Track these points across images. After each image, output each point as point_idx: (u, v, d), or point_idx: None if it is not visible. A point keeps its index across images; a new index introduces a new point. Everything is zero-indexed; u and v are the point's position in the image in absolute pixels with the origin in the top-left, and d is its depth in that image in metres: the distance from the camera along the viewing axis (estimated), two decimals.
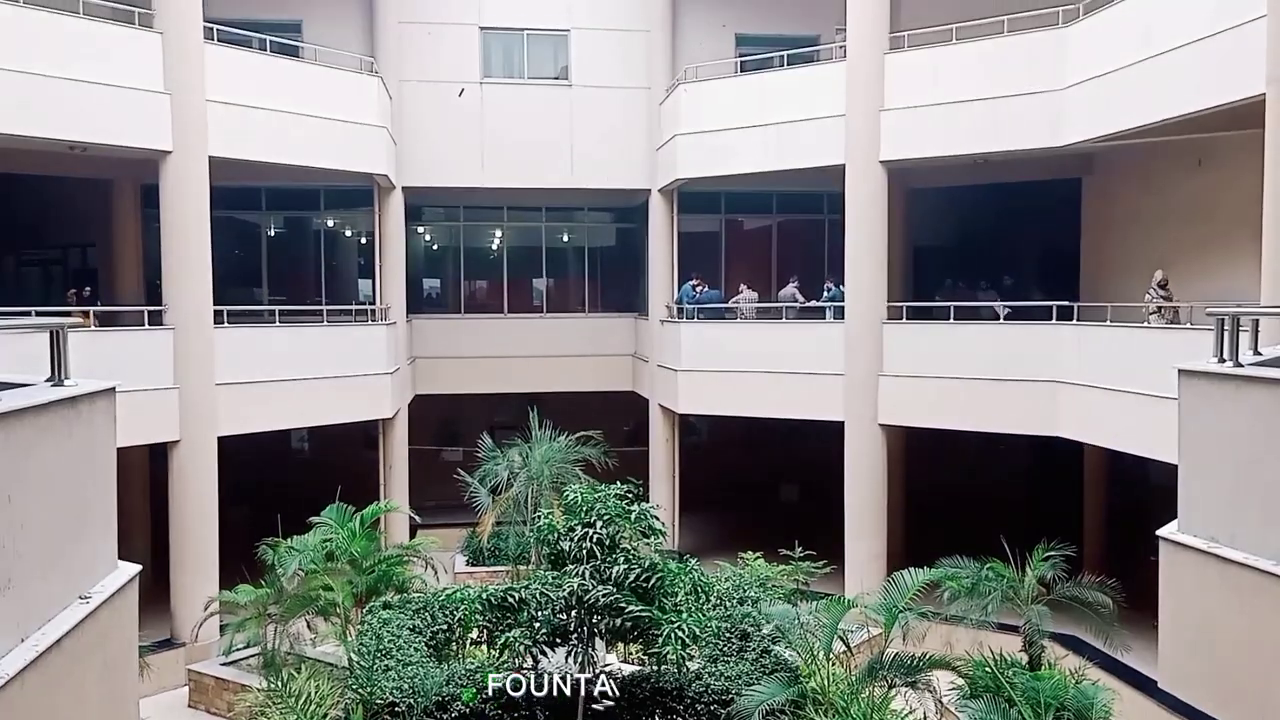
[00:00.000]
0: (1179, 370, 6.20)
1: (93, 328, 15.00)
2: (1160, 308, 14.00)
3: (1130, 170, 16.98)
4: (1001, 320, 16.48)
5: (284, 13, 19.65)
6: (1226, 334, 6.06)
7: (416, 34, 20.52)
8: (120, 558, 5.54)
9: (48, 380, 5.16)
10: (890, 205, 17.10)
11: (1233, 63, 11.33)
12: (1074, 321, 15.18)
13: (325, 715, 10.76)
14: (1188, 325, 13.28)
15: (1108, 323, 14.68)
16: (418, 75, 20.48)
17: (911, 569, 11.35)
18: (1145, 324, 14.06)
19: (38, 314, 11.52)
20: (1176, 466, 6.30)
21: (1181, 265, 14.95)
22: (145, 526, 17.32)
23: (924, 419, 16.81)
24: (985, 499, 20.51)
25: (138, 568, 5.54)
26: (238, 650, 14.20)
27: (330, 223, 22.53)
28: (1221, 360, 6.06)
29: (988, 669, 10.81)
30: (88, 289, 16.93)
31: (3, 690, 3.78)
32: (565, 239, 24.23)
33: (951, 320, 16.60)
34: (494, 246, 24.00)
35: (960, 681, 10.88)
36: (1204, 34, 11.92)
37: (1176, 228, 15.83)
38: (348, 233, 22.97)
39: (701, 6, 21.16)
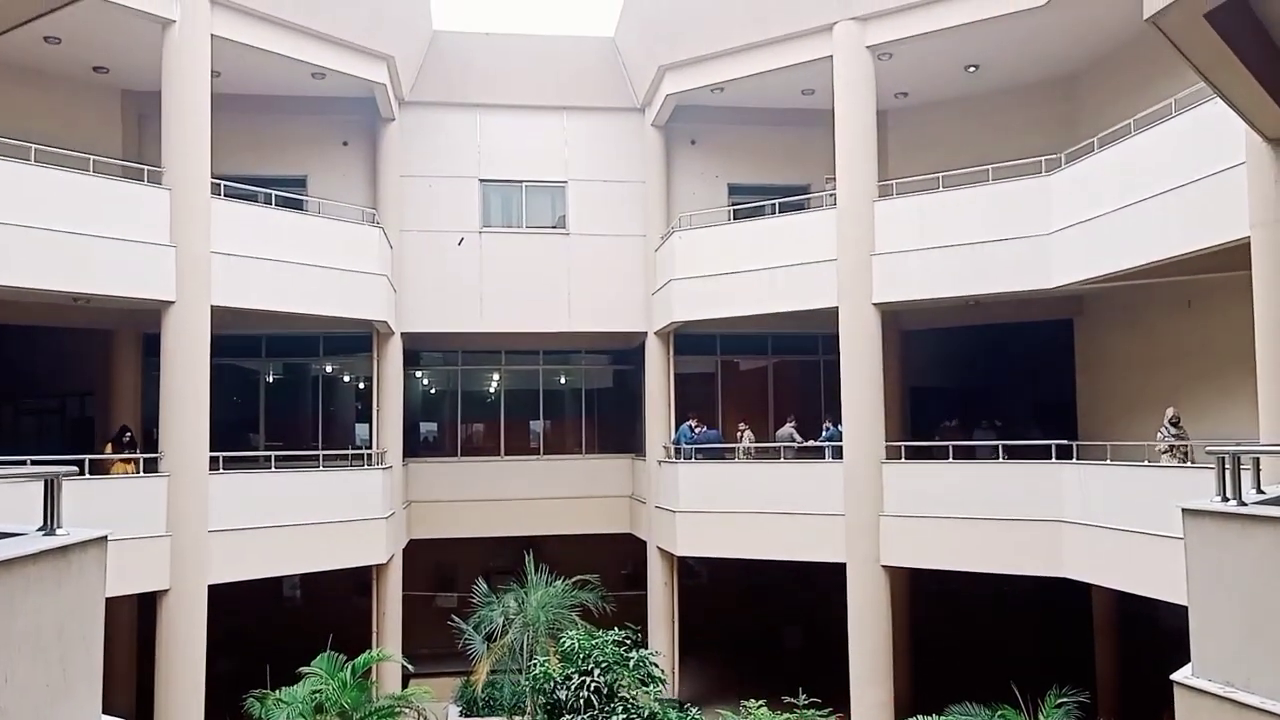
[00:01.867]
0: (1183, 510, 6.15)
1: (136, 474, 15.16)
2: (1172, 446, 13.70)
3: (1121, 311, 17.27)
4: (1001, 459, 16.44)
5: (290, 168, 20.31)
6: (1228, 472, 6.04)
7: (417, 186, 21.16)
8: (104, 712, 5.37)
9: (39, 529, 5.11)
10: (885, 346, 17.35)
11: (1215, 208, 11.64)
12: (1074, 460, 15.16)
13: None
14: (1191, 464, 13.23)
15: (1107, 461, 14.65)
16: (418, 225, 21.03)
17: (920, 717, 11.00)
18: (1146, 463, 13.99)
19: (33, 463, 11.48)
20: (1187, 608, 6.18)
21: (1176, 403, 15.03)
22: (130, 677, 16.87)
23: (926, 560, 16.58)
24: (994, 642, 20.06)
25: None
26: None
27: (329, 368, 22.71)
28: (1225, 499, 6.02)
29: None
30: (127, 434, 16.89)
31: None
32: (563, 381, 24.41)
33: (951, 460, 16.58)
34: (491, 389, 24.14)
35: None
36: (1185, 180, 12.29)
37: (1170, 367, 15.98)
38: (346, 378, 23.13)
39: (695, 159, 21.90)
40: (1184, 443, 13.59)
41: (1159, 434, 13.89)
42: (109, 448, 16.15)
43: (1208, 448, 6.64)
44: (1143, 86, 15.34)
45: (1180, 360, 15.74)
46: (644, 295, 21.41)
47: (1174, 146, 12.70)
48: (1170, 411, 13.92)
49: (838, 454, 17.45)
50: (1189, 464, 13.26)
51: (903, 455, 17.27)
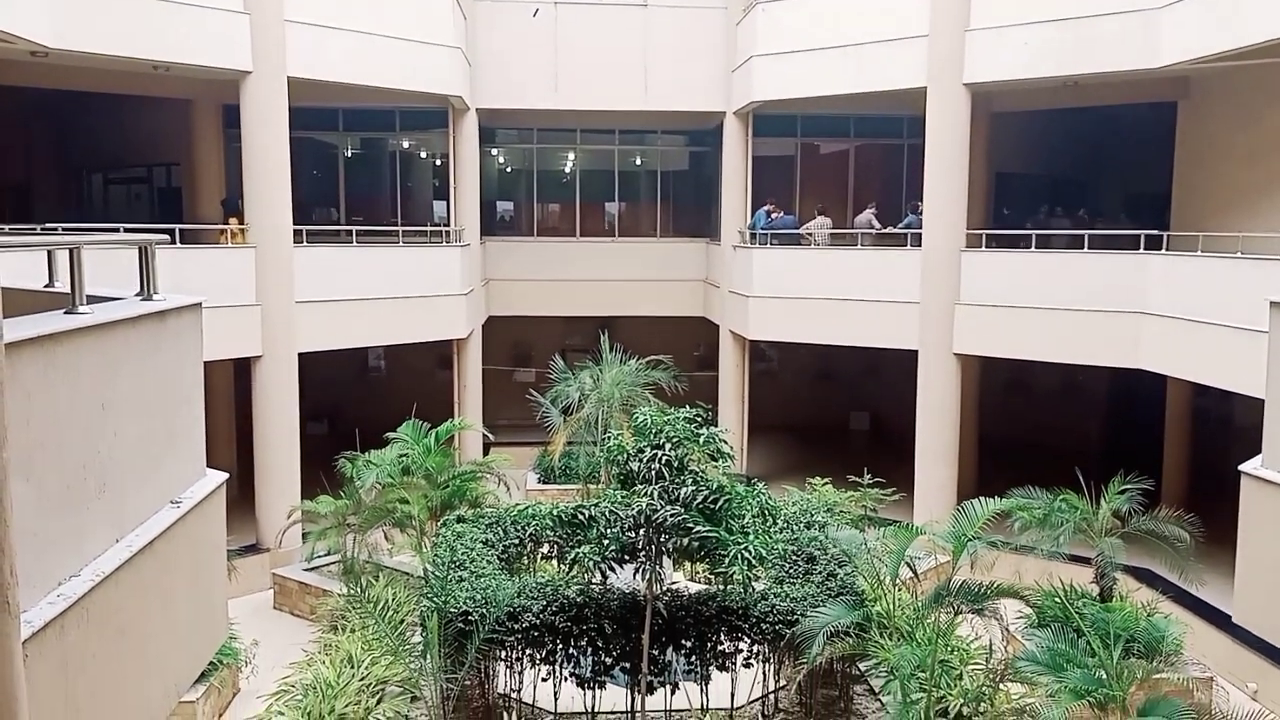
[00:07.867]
0: (1271, 302, 6.01)
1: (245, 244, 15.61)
2: None
3: (1230, 96, 16.19)
4: (1085, 250, 16.00)
5: None
6: None
7: None
8: (207, 466, 5.75)
9: (137, 295, 5.32)
10: (973, 129, 16.62)
11: None
12: (1163, 251, 14.70)
13: (402, 622, 11.15)
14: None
15: (1199, 253, 14.19)
16: None
17: (982, 498, 11.22)
18: (1239, 254, 13.44)
19: (125, 230, 11.87)
20: (1263, 402, 6.13)
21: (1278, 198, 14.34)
22: (230, 440, 17.94)
23: (1000, 349, 16.51)
24: (1062, 432, 20.20)
25: (225, 475, 5.74)
26: (319, 557, 14.75)
27: (405, 144, 22.66)
28: None
29: (1057, 599, 10.77)
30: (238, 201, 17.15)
31: (99, 588, 3.96)
32: (638, 162, 24.06)
33: (1033, 249, 16.19)
34: (566, 170, 23.94)
35: (1028, 611, 10.87)
36: None
37: (1277, 158, 15.12)
38: (422, 154, 23.09)
39: None
40: None
41: None
42: (233, 222, 16.43)
43: None
44: None
45: None
46: (723, 73, 20.63)
47: None
48: None
49: (916, 241, 17.14)
50: None
51: (983, 244, 16.91)
